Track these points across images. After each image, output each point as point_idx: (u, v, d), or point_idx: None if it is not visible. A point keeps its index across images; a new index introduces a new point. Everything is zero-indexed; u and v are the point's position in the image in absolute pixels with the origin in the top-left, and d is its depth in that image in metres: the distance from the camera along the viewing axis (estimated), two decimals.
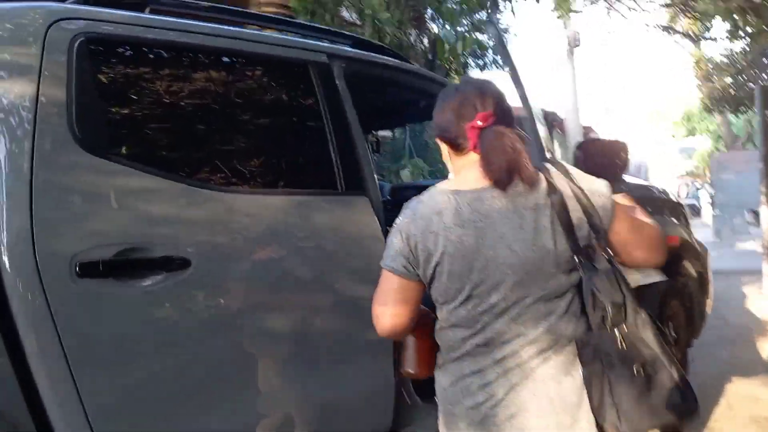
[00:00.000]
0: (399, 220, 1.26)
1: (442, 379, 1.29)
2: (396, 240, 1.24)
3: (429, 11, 5.46)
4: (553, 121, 14.51)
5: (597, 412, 1.11)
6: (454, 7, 3.33)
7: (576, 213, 1.14)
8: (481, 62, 8.17)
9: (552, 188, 1.14)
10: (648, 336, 1.10)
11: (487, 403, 1.17)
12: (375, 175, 2.08)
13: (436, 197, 1.21)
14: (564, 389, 1.13)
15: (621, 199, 1.25)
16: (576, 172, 1.20)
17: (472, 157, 1.20)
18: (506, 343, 1.16)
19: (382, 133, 9.03)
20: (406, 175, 6.88)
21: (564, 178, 1.17)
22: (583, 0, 6.14)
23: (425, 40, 7.57)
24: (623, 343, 1.07)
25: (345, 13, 5.84)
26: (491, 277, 1.14)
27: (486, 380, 1.18)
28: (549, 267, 1.13)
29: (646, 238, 1.22)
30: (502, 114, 1.20)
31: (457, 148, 1.24)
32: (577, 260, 1.12)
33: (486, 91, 1.22)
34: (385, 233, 2.72)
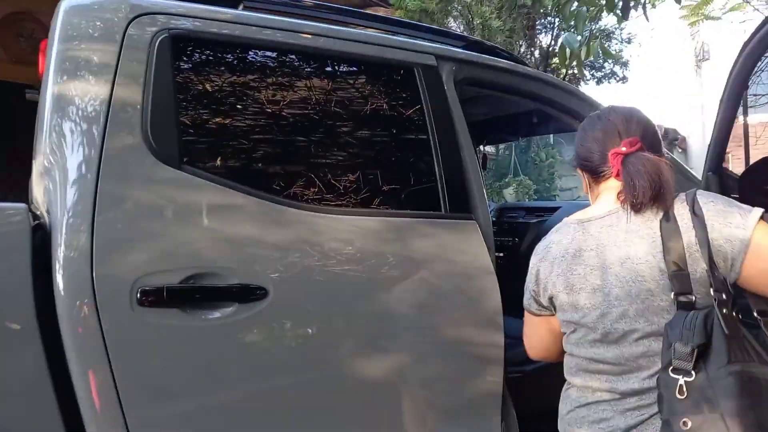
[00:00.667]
0: (533, 259, 1.28)
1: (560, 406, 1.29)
2: (529, 279, 1.28)
3: (542, 19, 5.08)
4: (673, 139, 13.39)
5: None
6: (580, 8, 2.94)
7: (689, 245, 1.04)
8: (599, 74, 7.59)
9: (668, 218, 1.07)
10: (723, 390, 0.94)
11: None
12: (485, 196, 1.77)
13: (565, 231, 1.22)
14: None
15: None
16: (709, 204, 1.07)
17: (612, 184, 1.17)
18: (619, 375, 1.12)
19: (486, 148, 8.65)
20: (509, 194, 6.46)
21: (686, 207, 1.07)
22: (721, 5, 5.39)
23: (536, 52, 7.13)
24: (684, 392, 0.96)
25: (452, 23, 5.59)
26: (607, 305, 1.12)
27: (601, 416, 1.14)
28: (657, 300, 1.06)
29: None
30: (649, 141, 1.16)
31: (598, 176, 1.21)
32: (673, 298, 1.03)
33: (631, 117, 1.19)
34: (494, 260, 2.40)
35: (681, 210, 1.07)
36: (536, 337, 1.36)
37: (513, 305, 3.00)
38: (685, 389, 0.96)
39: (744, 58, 1.65)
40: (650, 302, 1.06)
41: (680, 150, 13.98)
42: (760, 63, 1.74)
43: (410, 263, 1.59)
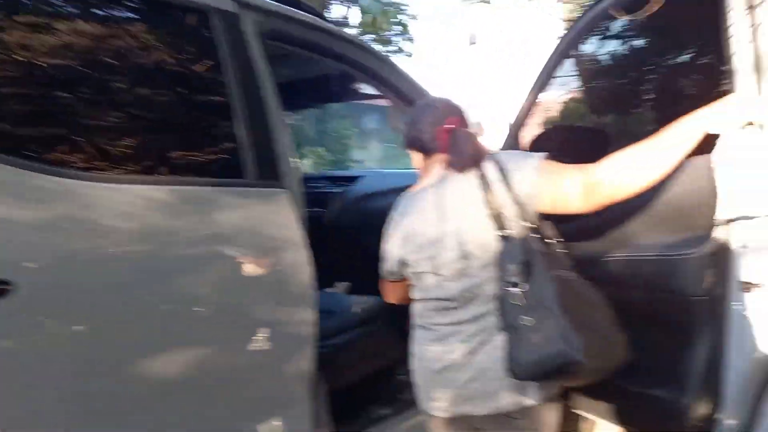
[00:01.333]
0: (385, 235, 1.54)
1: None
2: (385, 251, 1.54)
3: None
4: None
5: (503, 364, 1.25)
6: None
7: (500, 193, 1.31)
8: (386, 48, 7.83)
9: (483, 175, 1.34)
10: (548, 292, 1.22)
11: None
12: (297, 163, 1.62)
13: (406, 202, 1.51)
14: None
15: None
16: (508, 159, 1.37)
17: (439, 158, 1.45)
18: (462, 307, 1.37)
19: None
20: (306, 165, 6.39)
21: (493, 165, 1.35)
22: None
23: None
24: (520, 300, 1.22)
25: None
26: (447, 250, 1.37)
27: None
28: (485, 238, 1.33)
29: (564, 193, 1.31)
30: (465, 121, 1.49)
31: (428, 152, 1.48)
32: (497, 233, 1.30)
33: (451, 103, 1.52)
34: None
35: (490, 167, 1.35)
36: (394, 298, 1.64)
37: (321, 278, 2.94)
38: (521, 299, 1.22)
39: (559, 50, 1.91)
40: (481, 241, 1.32)
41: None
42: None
43: (209, 240, 1.37)
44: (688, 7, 1.96)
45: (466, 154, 1.37)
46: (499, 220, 1.30)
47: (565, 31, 2.03)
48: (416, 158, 1.53)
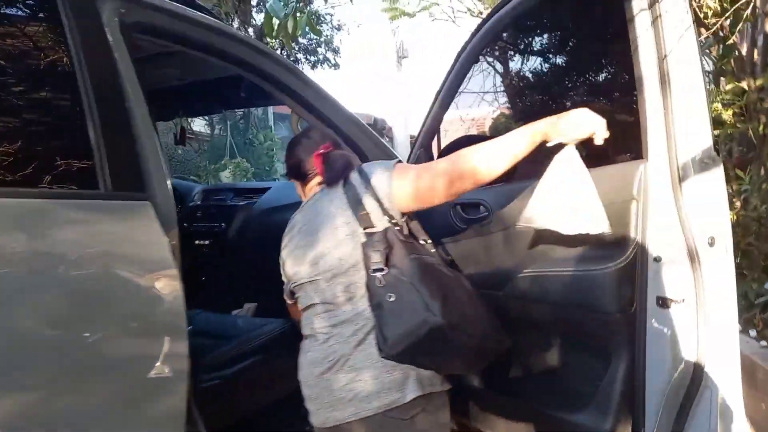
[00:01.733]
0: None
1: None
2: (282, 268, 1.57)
3: None
4: (381, 128, 14.65)
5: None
6: None
7: (364, 197, 1.41)
8: (313, 58, 7.63)
9: (349, 184, 1.45)
10: (407, 270, 1.32)
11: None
12: (165, 172, 1.39)
13: (289, 223, 1.58)
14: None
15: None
16: (369, 167, 1.48)
17: (316, 181, 1.56)
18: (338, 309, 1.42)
19: (198, 128, 8.02)
20: (226, 177, 6.05)
21: (357, 174, 1.46)
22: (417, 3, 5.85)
23: (251, 30, 6.80)
24: (383, 281, 1.31)
25: None
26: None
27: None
28: (353, 239, 1.40)
29: (425, 187, 1.39)
30: (337, 145, 1.61)
31: (306, 178, 1.59)
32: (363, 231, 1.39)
33: (324, 132, 1.73)
34: (194, 248, 2.21)
35: (355, 176, 1.45)
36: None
37: (221, 298, 2.68)
38: (383, 280, 1.31)
39: (459, 63, 1.88)
40: (350, 242, 1.39)
41: (388, 138, 15.42)
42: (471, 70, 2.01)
43: (46, 260, 1.12)
44: (600, 20, 1.92)
45: (335, 170, 1.48)
46: (365, 220, 1.39)
47: (462, 47, 1.95)
48: (298, 188, 1.64)
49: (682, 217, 1.28)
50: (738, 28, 2.83)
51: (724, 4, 2.67)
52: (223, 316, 2.44)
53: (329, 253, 1.41)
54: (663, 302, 1.29)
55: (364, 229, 1.38)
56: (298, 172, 1.59)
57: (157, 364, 1.29)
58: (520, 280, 1.57)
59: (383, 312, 1.30)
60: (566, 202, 1.25)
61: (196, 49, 1.63)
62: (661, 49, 1.30)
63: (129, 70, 1.35)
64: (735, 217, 3.04)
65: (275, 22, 2.90)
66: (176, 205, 2.83)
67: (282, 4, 2.88)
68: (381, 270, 1.32)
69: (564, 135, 1.24)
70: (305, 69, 8.17)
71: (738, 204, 3.01)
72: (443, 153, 2.00)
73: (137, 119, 1.32)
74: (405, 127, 13.90)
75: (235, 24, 7.19)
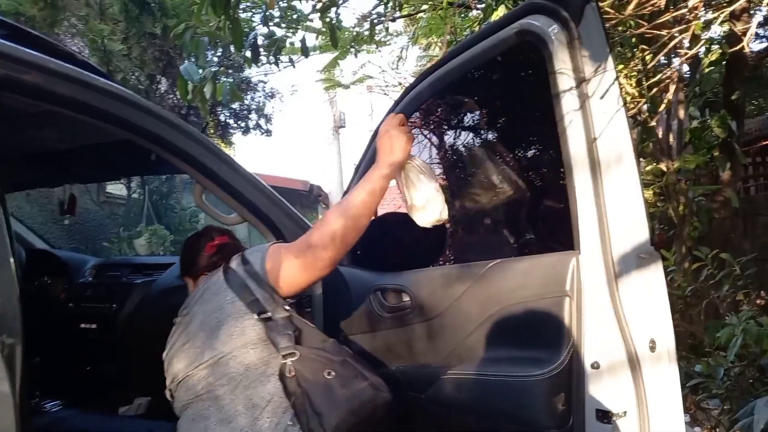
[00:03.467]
0: None
1: None
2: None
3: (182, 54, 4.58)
4: (317, 195, 14.51)
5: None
6: (201, 37, 2.57)
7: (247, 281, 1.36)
8: (243, 124, 7.45)
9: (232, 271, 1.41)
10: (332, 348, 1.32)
11: None
12: (8, 245, 1.12)
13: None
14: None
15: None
16: (250, 253, 1.44)
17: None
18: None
19: (112, 191, 7.52)
20: (141, 245, 5.61)
21: (238, 261, 1.42)
22: (351, 75, 5.93)
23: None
24: (294, 369, 1.25)
25: (68, 41, 4.62)
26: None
27: None
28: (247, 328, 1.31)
29: (294, 266, 1.35)
30: (233, 238, 1.68)
31: (197, 273, 1.56)
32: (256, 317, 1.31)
33: (218, 228, 1.71)
34: (79, 332, 2.21)
35: (236, 263, 1.41)
36: None
37: (107, 392, 2.31)
38: (293, 369, 1.24)
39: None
40: (242, 331, 1.28)
41: (324, 206, 15.25)
42: None
43: None
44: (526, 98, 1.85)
45: (221, 256, 1.49)
46: (253, 305, 1.31)
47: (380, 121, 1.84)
48: (190, 285, 1.59)
49: (619, 317, 1.13)
50: (657, 111, 2.91)
51: (642, 90, 2.74)
52: (105, 418, 2.07)
53: (207, 344, 1.29)
54: (603, 416, 1.12)
55: (260, 315, 1.29)
56: (190, 268, 1.59)
57: None
58: (443, 382, 1.37)
59: (324, 391, 1.22)
60: (420, 201, 1.38)
61: (69, 108, 1.40)
62: (590, 131, 1.20)
63: None
64: None
65: (190, 86, 2.72)
66: (64, 283, 2.45)
67: (198, 67, 2.71)
68: (293, 355, 1.25)
69: (395, 161, 1.33)
70: (236, 135, 7.99)
71: None
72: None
73: None
74: (341, 193, 13.83)
75: (163, 87, 6.95)
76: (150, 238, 5.63)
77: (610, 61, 1.21)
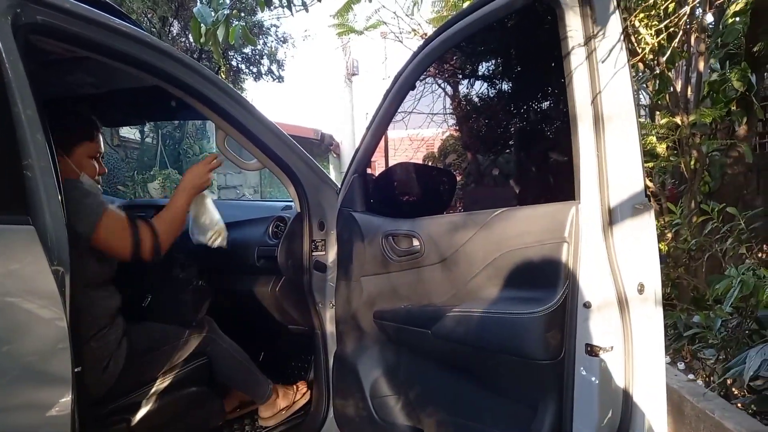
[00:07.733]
0: None
1: None
2: None
3: None
4: (329, 145, 14.47)
5: None
6: None
7: None
8: (255, 69, 7.42)
9: None
10: None
11: None
12: (59, 192, 1.23)
13: None
14: None
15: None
16: None
17: None
18: None
19: (126, 135, 7.60)
20: (155, 189, 5.74)
21: None
22: (364, 21, 5.80)
23: (191, 36, 6.56)
24: None
25: None
26: None
27: None
28: None
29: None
30: None
31: None
32: None
33: None
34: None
35: None
36: None
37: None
38: None
39: (400, 82, 1.74)
40: None
41: (335, 155, 15.23)
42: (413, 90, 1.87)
43: None
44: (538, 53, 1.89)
45: None
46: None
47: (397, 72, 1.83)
48: None
49: (612, 262, 1.23)
50: (675, 63, 2.88)
51: (662, 41, 2.72)
52: None
53: None
54: (591, 350, 1.24)
55: None
56: None
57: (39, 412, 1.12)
58: (448, 319, 1.49)
59: None
60: (205, 222, 1.90)
61: (106, 56, 1.48)
62: (595, 87, 1.27)
63: (21, 78, 1.19)
64: (667, 249, 3.09)
65: (203, 28, 2.74)
66: None
67: (210, 9, 2.73)
68: None
69: (196, 188, 1.82)
70: (248, 80, 7.96)
71: (669, 236, 3.07)
72: (379, 179, 1.94)
73: (27, 134, 1.16)
74: (353, 143, 13.83)
75: (175, 30, 6.91)
76: (164, 182, 5.74)
77: (617, 16, 1.26)
